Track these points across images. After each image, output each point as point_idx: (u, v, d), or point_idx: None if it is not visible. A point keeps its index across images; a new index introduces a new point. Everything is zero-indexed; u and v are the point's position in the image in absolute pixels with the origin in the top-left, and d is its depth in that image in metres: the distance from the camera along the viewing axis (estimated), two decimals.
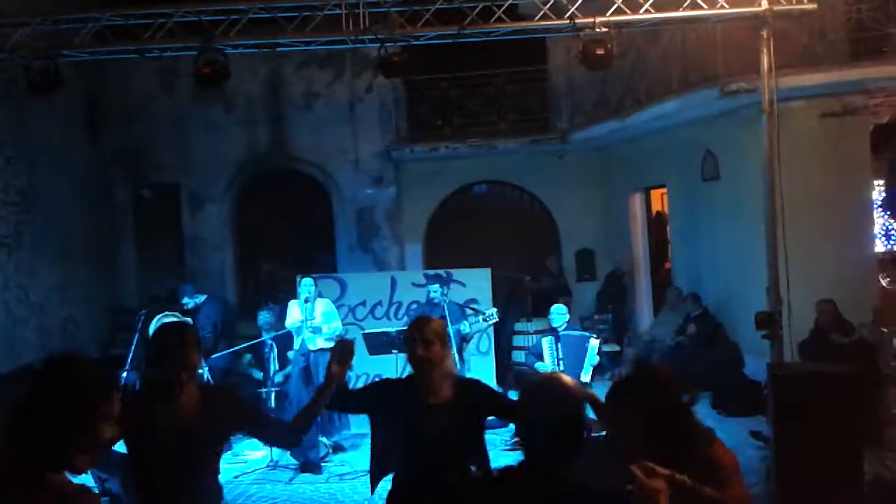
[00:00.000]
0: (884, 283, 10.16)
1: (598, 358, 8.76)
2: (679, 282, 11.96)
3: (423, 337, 3.77)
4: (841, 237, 9.47)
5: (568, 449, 2.58)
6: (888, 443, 7.34)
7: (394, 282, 11.01)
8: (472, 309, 9.03)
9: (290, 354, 8.85)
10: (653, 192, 13.58)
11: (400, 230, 13.98)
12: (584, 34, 7.65)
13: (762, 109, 7.81)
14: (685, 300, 11.09)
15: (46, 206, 11.42)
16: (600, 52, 7.60)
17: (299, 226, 13.90)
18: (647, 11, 7.74)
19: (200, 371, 8.77)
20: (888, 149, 10.34)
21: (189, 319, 9.18)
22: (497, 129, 13.62)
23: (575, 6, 7.71)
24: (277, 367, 8.92)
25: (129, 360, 8.56)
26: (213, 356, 9.08)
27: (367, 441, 4.42)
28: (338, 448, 8.76)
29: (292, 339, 8.79)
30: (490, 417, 3.95)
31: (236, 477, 8.17)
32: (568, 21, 7.73)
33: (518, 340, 11.70)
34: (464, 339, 8.65)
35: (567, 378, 2.66)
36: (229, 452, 8.83)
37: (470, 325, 8.58)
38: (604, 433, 5.53)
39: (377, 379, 4.88)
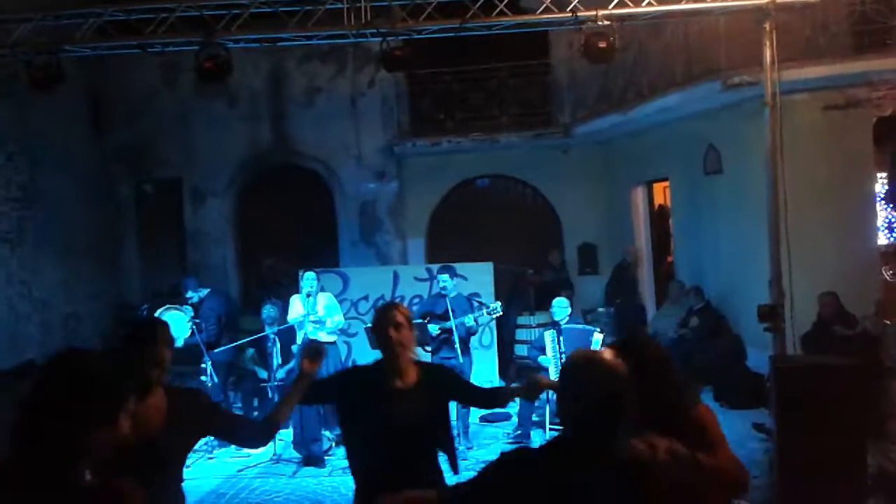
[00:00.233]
0: (887, 275, 10.14)
1: None
2: (681, 275, 11.96)
3: (395, 320, 3.87)
4: (844, 230, 9.45)
5: (614, 425, 2.54)
6: (891, 435, 7.33)
7: (396, 276, 11.03)
8: (479, 302, 9.04)
9: (294, 349, 8.85)
10: (655, 185, 13.56)
11: (402, 225, 13.98)
12: (586, 27, 7.64)
13: (765, 102, 7.79)
14: (688, 293, 11.09)
15: (49, 202, 11.43)
16: (602, 45, 7.59)
17: (302, 220, 13.91)
18: (649, 4, 7.72)
19: (203, 365, 8.86)
20: (891, 141, 10.31)
21: (191, 309, 9.21)
22: (499, 123, 13.60)
23: None
24: (280, 362, 8.93)
25: None
26: (216, 350, 9.09)
27: None
28: (340, 441, 8.78)
29: (295, 333, 8.80)
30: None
31: (240, 471, 8.19)
32: (570, 14, 7.72)
33: (520, 334, 11.71)
34: (469, 333, 8.65)
35: (609, 354, 2.63)
36: (233, 447, 8.87)
37: (475, 318, 8.58)
38: None
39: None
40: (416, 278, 10.99)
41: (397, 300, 10.75)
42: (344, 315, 9.47)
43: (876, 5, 9.12)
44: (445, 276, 8.79)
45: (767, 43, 7.65)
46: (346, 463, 4.06)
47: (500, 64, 13.22)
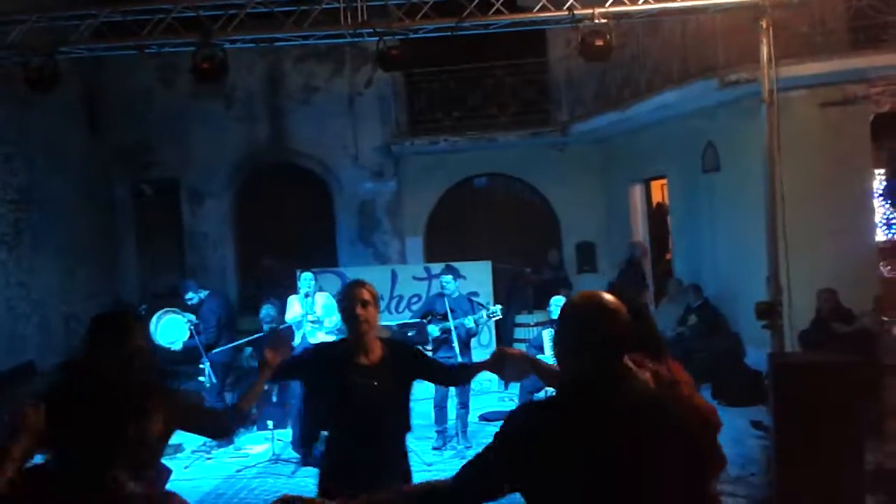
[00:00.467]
0: (884, 272, 10.16)
1: None
2: (680, 273, 11.96)
3: (361, 298, 3.94)
4: (841, 226, 9.45)
5: (620, 364, 2.48)
6: (889, 433, 7.34)
7: (394, 275, 11.03)
8: (480, 304, 9.05)
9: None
10: (653, 183, 13.57)
11: (400, 224, 13.98)
12: (583, 25, 7.63)
13: (762, 99, 7.79)
14: (686, 291, 11.09)
15: (46, 204, 11.42)
16: (599, 43, 7.57)
17: (299, 220, 13.91)
18: (645, 2, 7.71)
19: (202, 366, 8.85)
20: (889, 138, 10.33)
21: (193, 316, 9.20)
22: (497, 121, 13.60)
23: None
24: None
25: None
26: (214, 351, 9.09)
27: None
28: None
29: (294, 333, 8.79)
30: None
31: (238, 471, 8.19)
32: (567, 12, 7.70)
33: (519, 333, 11.71)
34: (469, 334, 8.65)
35: (609, 295, 2.58)
36: (231, 447, 8.87)
37: (475, 320, 8.59)
38: None
39: None
40: (414, 277, 10.99)
41: (396, 300, 10.78)
42: None
43: (872, 1, 9.11)
44: (449, 278, 8.79)
45: (764, 40, 7.65)
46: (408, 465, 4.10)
47: (497, 63, 13.19)
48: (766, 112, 7.79)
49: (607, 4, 7.66)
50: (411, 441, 8.51)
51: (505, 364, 4.04)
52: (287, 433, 8.55)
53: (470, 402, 8.82)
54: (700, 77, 9.66)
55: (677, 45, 10.33)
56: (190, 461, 8.54)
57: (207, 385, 8.68)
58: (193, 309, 9.51)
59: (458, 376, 4.84)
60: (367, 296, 3.96)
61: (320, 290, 9.09)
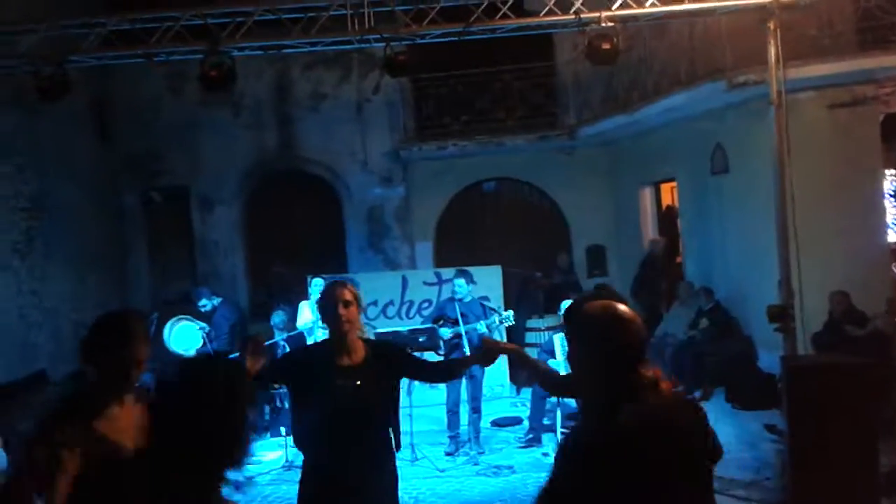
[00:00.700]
0: None
1: None
2: (690, 276, 11.92)
3: (343, 297, 3.95)
4: (853, 228, 9.41)
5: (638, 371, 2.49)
6: None
7: (405, 281, 11.02)
8: (492, 308, 9.04)
9: None
10: (662, 186, 13.54)
11: (410, 229, 13.99)
12: (589, 29, 7.62)
13: (770, 101, 7.76)
14: (697, 294, 11.05)
15: (57, 212, 11.46)
16: (606, 46, 7.57)
17: (309, 227, 13.94)
18: (652, 5, 7.70)
19: None
20: None
21: (206, 325, 9.23)
22: (505, 125, 13.59)
23: (580, 1, 7.69)
24: None
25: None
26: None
27: None
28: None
29: (305, 339, 8.80)
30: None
31: (251, 478, 8.19)
32: (573, 16, 7.70)
33: (530, 337, 11.69)
34: (482, 339, 8.63)
35: (623, 306, 2.58)
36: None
37: (487, 325, 8.59)
38: None
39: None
40: (424, 282, 10.99)
41: (406, 305, 10.78)
42: None
43: (880, 2, 9.08)
44: (462, 282, 8.79)
45: (772, 42, 7.62)
46: (395, 466, 4.09)
47: (504, 67, 13.19)
48: (774, 114, 7.76)
49: (614, 8, 7.65)
50: (423, 446, 8.58)
51: (494, 356, 4.07)
52: None
53: (482, 408, 8.81)
54: (708, 79, 9.64)
55: (685, 48, 10.31)
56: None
57: None
58: (207, 316, 9.54)
59: (448, 372, 4.82)
60: (348, 296, 3.98)
61: None
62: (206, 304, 9.69)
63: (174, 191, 13.82)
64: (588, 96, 13.21)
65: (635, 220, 13.55)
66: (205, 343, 9.00)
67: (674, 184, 12.82)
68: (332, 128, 13.55)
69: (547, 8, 7.81)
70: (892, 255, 10.06)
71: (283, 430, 8.65)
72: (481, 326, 8.52)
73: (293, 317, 9.29)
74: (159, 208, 13.99)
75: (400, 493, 4.04)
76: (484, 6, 7.84)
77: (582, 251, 14.12)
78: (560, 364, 8.85)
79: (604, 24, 7.55)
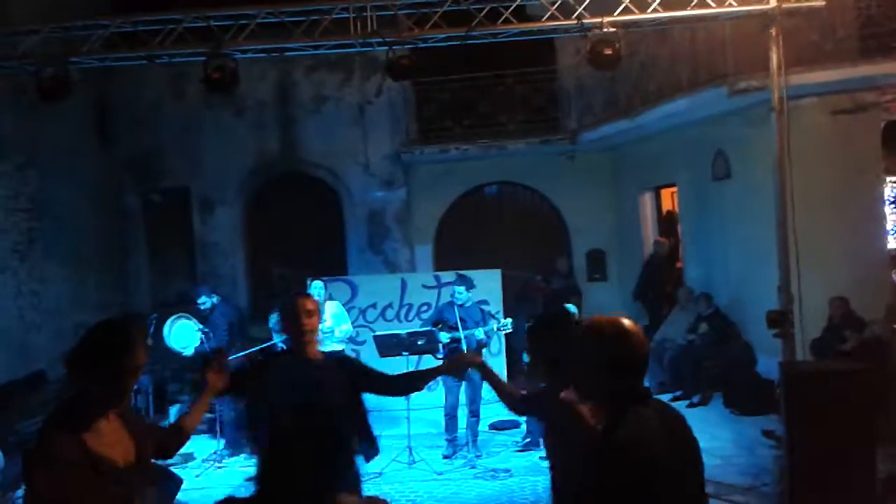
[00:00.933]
0: None
1: None
2: (690, 281, 11.92)
3: (305, 308, 4.06)
4: (853, 234, 9.42)
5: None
6: None
7: (404, 284, 11.02)
8: (491, 315, 9.05)
9: None
10: (663, 191, 13.54)
11: (410, 232, 14.00)
12: (592, 34, 7.62)
13: (772, 107, 7.76)
14: (697, 299, 11.04)
15: (57, 213, 11.47)
16: (608, 52, 7.57)
17: (310, 229, 13.94)
18: (654, 10, 7.70)
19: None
20: None
21: (204, 327, 9.22)
22: (506, 130, 13.60)
23: (582, 6, 7.69)
24: None
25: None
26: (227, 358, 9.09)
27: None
28: None
29: None
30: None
31: (249, 479, 8.17)
32: (576, 21, 7.70)
33: None
34: (480, 346, 8.64)
35: (627, 320, 2.75)
36: (243, 456, 8.86)
37: (486, 331, 8.59)
38: None
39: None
40: (424, 286, 10.98)
41: (405, 308, 10.77)
42: (352, 323, 9.49)
43: (882, 9, 9.09)
44: (462, 289, 8.79)
45: (774, 48, 7.63)
46: (357, 469, 4.08)
47: (506, 71, 13.22)
48: (776, 120, 7.76)
49: (616, 13, 7.66)
50: (421, 449, 8.58)
51: (462, 369, 4.08)
52: None
53: (481, 411, 8.81)
54: (710, 85, 9.65)
55: (687, 53, 10.32)
56: (201, 470, 8.55)
57: None
58: (205, 314, 9.54)
59: (411, 384, 4.60)
60: (310, 306, 4.09)
61: (330, 298, 9.10)
62: (205, 301, 9.69)
63: (175, 192, 13.84)
64: (590, 101, 13.22)
65: (636, 225, 13.55)
66: (202, 341, 9.00)
67: (674, 189, 12.83)
68: (334, 130, 13.56)
69: (549, 13, 7.81)
70: (891, 262, 10.05)
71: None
72: (479, 333, 8.52)
73: None
74: (160, 209, 14.00)
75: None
76: (486, 11, 7.86)
77: (582, 256, 14.13)
78: None
79: (606, 30, 7.56)
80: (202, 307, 9.57)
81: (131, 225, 13.79)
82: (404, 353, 8.54)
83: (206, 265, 13.80)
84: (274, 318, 9.60)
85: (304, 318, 4.04)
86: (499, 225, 14.31)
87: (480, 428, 8.89)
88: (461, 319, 8.55)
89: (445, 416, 8.70)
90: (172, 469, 6.89)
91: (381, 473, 7.92)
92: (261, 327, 10.30)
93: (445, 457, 8.58)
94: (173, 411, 10.25)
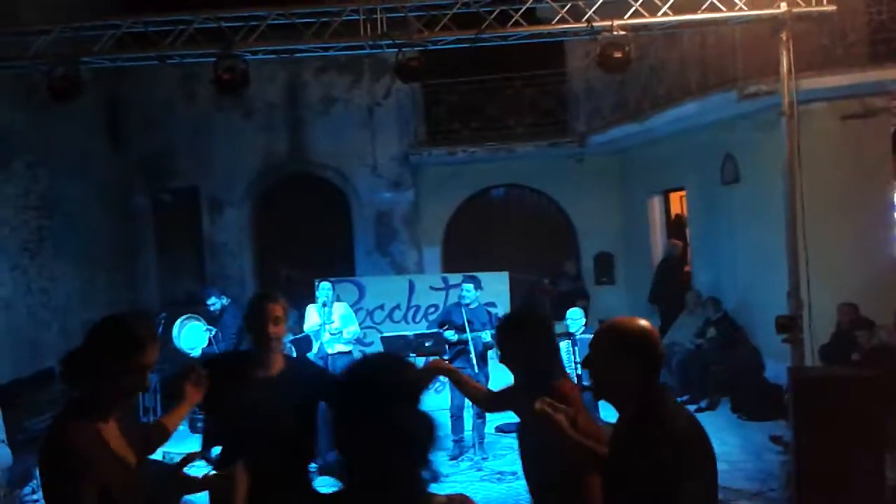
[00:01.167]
0: None
1: None
2: (699, 285, 11.89)
3: (273, 314, 3.88)
4: (862, 239, 9.39)
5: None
6: None
7: (412, 285, 11.02)
8: (498, 317, 9.03)
9: (310, 357, 8.87)
10: (672, 195, 13.52)
11: (418, 234, 14.01)
12: (601, 37, 7.62)
13: (782, 112, 7.74)
14: (705, 304, 11.02)
15: (67, 211, 11.52)
16: (618, 55, 7.57)
17: (318, 230, 13.96)
18: (665, 14, 7.70)
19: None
20: None
21: (212, 328, 9.26)
22: (515, 132, 13.61)
23: (592, 9, 7.69)
24: None
25: None
26: None
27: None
28: None
29: (311, 342, 8.81)
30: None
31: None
32: (586, 24, 7.70)
33: None
34: (486, 348, 8.64)
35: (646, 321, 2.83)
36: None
37: (492, 334, 8.58)
38: None
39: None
40: (431, 287, 10.98)
41: (413, 309, 10.78)
42: (360, 324, 9.50)
43: (893, 14, 9.06)
44: (470, 286, 8.79)
45: (784, 52, 7.61)
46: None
47: (515, 74, 13.22)
48: (785, 124, 7.75)
49: (626, 16, 7.66)
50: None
51: (432, 376, 4.08)
52: None
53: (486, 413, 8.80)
54: (719, 89, 9.64)
55: (696, 57, 10.31)
56: (208, 469, 8.56)
57: None
58: (215, 316, 9.57)
59: None
60: (279, 311, 3.89)
61: (338, 299, 9.11)
62: (215, 302, 9.72)
63: (184, 192, 13.88)
64: (599, 104, 13.22)
65: (644, 229, 13.54)
66: (210, 343, 9.03)
67: (683, 193, 12.81)
68: (343, 132, 13.58)
69: (559, 16, 7.82)
70: None
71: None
72: (486, 335, 8.52)
73: (300, 320, 9.30)
74: (169, 209, 14.04)
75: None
76: (496, 13, 7.86)
77: (590, 259, 14.12)
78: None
79: (616, 33, 7.56)
80: (212, 308, 9.60)
81: (141, 224, 13.85)
82: (411, 355, 8.54)
83: (215, 265, 13.84)
84: None
85: (271, 325, 3.85)
86: (506, 227, 14.32)
87: (486, 430, 8.88)
88: (468, 321, 8.55)
89: (451, 417, 8.70)
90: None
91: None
92: None
93: (451, 458, 8.57)
94: None
